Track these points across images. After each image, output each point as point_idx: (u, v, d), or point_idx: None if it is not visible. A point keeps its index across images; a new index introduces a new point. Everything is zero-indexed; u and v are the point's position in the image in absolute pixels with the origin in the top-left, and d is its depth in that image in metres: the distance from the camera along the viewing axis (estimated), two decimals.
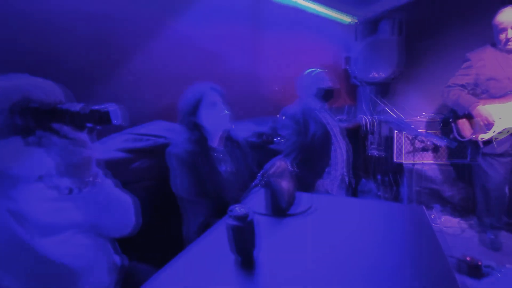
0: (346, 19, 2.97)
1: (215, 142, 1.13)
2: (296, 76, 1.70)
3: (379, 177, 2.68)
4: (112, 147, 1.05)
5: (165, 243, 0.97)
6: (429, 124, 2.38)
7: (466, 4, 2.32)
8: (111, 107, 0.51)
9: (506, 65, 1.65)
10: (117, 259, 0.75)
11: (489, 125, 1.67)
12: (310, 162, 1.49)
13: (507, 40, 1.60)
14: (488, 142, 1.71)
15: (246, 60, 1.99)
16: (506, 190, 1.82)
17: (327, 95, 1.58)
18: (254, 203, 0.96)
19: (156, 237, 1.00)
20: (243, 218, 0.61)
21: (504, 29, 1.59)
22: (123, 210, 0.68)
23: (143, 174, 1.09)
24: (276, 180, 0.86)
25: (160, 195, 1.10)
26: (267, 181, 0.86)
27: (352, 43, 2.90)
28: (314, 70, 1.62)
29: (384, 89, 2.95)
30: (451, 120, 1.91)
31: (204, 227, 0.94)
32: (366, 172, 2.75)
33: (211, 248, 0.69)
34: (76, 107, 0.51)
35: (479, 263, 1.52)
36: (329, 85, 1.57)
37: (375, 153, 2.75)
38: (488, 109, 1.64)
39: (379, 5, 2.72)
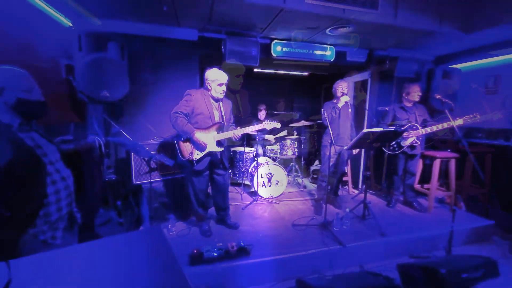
0: (66, 22, 2.49)
1: None
2: None
3: (119, 202, 2.50)
4: None
5: None
6: (160, 146, 2.74)
7: (177, 53, 3.07)
8: None
9: (210, 107, 2.31)
10: None
11: (203, 147, 2.28)
12: (4, 207, 0.94)
13: (216, 91, 2.26)
14: (199, 160, 2.30)
15: None
16: (209, 190, 2.62)
17: (33, 110, 1.10)
18: None
19: None
20: None
21: (216, 84, 2.24)
22: None
23: None
24: None
25: None
26: None
27: (76, 52, 2.48)
28: (10, 69, 1.08)
29: (118, 111, 2.88)
30: (175, 142, 2.35)
31: None
32: (105, 200, 2.42)
33: None
34: None
35: (202, 251, 2.00)
36: (38, 96, 1.11)
37: (113, 177, 2.55)
38: (201, 136, 2.24)
39: (103, 26, 2.64)
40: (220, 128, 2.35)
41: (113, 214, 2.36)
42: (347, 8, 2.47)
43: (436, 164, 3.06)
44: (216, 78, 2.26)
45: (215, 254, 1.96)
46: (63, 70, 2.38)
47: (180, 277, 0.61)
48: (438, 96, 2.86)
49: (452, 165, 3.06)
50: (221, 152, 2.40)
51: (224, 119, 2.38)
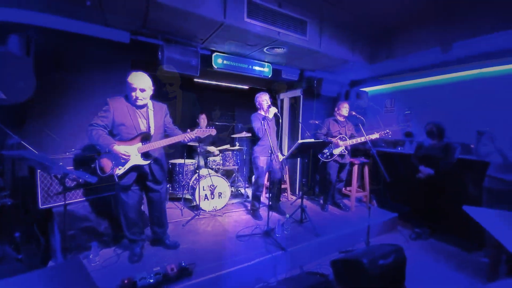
0: None
1: None
2: None
3: (17, 234, 1.93)
4: None
5: None
6: (79, 162, 2.31)
7: (103, 55, 2.71)
8: None
9: (134, 116, 2.04)
10: None
11: (125, 161, 2.02)
12: None
13: (136, 98, 2.00)
14: (122, 176, 2.04)
15: None
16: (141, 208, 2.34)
17: None
18: None
19: None
20: None
21: (134, 89, 1.98)
22: None
23: None
24: None
25: None
26: None
27: None
28: None
29: (17, 117, 2.31)
30: (96, 156, 2.08)
31: None
32: None
33: None
34: None
35: (134, 280, 1.75)
36: None
37: (9, 202, 1.97)
38: (122, 148, 1.95)
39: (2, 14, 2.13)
40: (146, 138, 2.09)
41: (9, 249, 1.79)
42: (281, 31, 2.74)
43: (355, 169, 3.61)
44: (131, 82, 1.98)
45: (151, 280, 1.74)
46: None
47: None
48: (353, 113, 3.43)
49: (366, 169, 3.67)
50: (149, 164, 2.15)
51: (153, 127, 2.14)
